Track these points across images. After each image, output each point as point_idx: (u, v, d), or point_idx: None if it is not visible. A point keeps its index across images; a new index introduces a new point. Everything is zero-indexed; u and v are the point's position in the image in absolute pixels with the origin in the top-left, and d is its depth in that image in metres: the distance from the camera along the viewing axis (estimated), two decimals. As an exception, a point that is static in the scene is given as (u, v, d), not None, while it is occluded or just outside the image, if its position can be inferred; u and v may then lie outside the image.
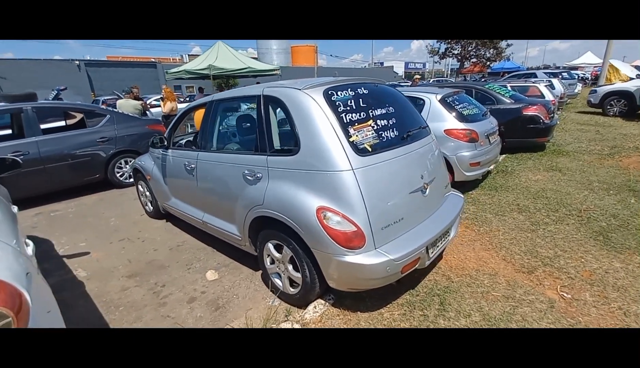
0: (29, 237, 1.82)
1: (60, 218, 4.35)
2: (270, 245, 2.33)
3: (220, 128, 3.13)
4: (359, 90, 2.28)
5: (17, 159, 2.64)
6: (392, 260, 1.89)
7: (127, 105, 6.82)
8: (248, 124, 3.18)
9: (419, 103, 4.89)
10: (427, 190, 2.30)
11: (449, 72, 47.22)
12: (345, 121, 2.02)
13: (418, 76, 16.55)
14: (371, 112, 2.20)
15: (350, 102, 2.14)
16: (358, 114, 2.11)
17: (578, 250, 2.82)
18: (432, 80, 31.67)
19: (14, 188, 2.98)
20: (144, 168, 3.85)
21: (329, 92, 2.11)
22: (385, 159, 2.07)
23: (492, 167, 4.89)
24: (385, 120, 2.24)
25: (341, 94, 2.14)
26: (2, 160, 2.46)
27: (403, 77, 41.68)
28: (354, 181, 1.90)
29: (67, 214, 4.49)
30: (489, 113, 4.86)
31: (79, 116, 5.64)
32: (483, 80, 16.86)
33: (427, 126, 2.69)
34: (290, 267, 2.24)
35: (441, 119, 4.19)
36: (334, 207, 1.92)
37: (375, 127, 2.14)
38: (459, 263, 2.75)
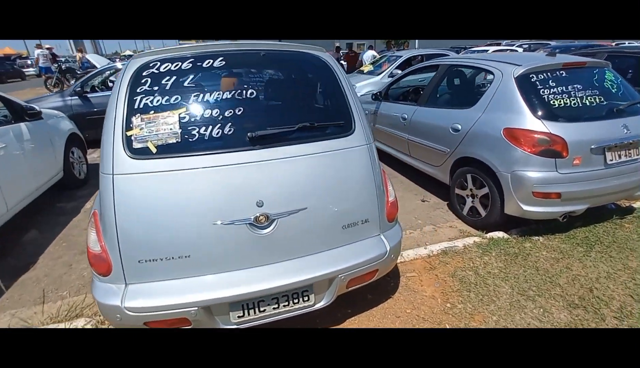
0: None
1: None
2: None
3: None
4: (205, 62, 1.59)
5: None
6: (122, 308, 1.36)
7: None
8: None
9: (482, 80, 3.22)
10: (275, 226, 1.48)
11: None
12: (135, 106, 1.47)
13: None
14: (197, 96, 1.51)
15: (167, 80, 1.52)
16: (164, 98, 1.49)
17: None
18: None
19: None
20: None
21: (150, 64, 1.56)
22: (176, 168, 1.42)
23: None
24: (220, 110, 1.50)
25: (161, 68, 1.55)
26: None
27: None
28: (110, 190, 1.40)
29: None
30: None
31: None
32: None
33: (352, 123, 1.68)
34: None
35: (508, 109, 2.56)
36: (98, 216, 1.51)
37: (186, 119, 1.46)
38: None
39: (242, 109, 1.54)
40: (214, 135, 1.47)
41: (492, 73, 2.80)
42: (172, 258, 1.42)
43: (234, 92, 1.55)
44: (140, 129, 1.44)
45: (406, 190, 3.73)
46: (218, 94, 1.53)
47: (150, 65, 1.56)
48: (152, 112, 1.46)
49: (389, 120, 4.10)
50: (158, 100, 1.48)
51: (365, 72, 8.06)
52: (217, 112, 1.50)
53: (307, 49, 1.83)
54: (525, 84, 2.56)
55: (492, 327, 1.81)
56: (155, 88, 1.50)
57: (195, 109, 1.49)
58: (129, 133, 1.43)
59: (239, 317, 1.49)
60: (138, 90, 1.49)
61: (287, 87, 1.73)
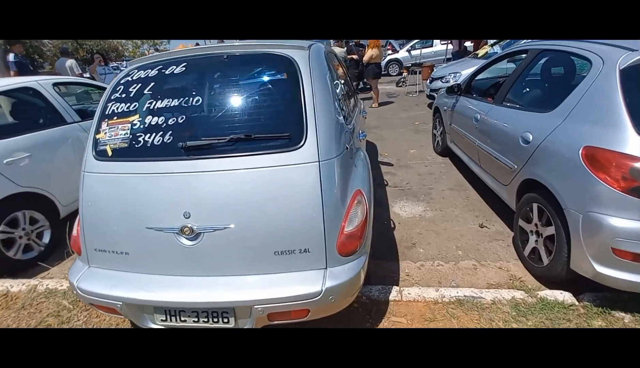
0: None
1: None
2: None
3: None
4: (171, 68, 1.63)
5: None
6: (75, 285, 1.57)
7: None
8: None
9: (575, 71, 2.29)
10: (200, 240, 1.45)
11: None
12: (107, 112, 1.63)
13: None
14: (153, 102, 1.56)
15: (136, 86, 1.63)
16: (128, 104, 1.60)
17: None
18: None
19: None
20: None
21: (129, 73, 1.71)
22: (120, 172, 1.52)
23: None
24: (166, 118, 1.52)
25: (134, 76, 1.67)
26: None
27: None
28: (80, 185, 1.63)
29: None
30: None
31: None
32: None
33: (303, 136, 1.45)
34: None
35: (599, 118, 1.73)
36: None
37: (138, 126, 1.54)
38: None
39: (184, 116, 1.52)
40: (155, 143, 1.50)
41: (588, 60, 1.91)
42: (115, 252, 1.56)
43: (181, 99, 1.54)
44: (105, 133, 1.60)
45: (466, 209, 3.03)
46: (167, 101, 1.55)
47: (129, 73, 1.71)
48: (115, 117, 1.60)
49: (463, 120, 3.37)
50: (121, 107, 1.61)
51: (479, 56, 6.81)
52: (162, 119, 1.53)
53: (277, 48, 1.64)
54: (636, 81, 1.64)
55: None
56: (123, 95, 1.64)
57: (145, 116, 1.55)
58: (97, 136, 1.62)
59: (162, 320, 1.53)
60: (112, 97, 1.66)
61: (239, 93, 1.60)
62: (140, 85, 1.63)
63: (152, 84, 1.62)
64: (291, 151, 1.44)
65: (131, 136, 1.54)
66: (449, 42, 10.86)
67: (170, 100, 1.55)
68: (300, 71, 1.56)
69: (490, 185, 2.80)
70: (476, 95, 3.32)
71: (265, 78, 1.62)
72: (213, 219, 1.44)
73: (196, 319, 1.50)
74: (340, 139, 1.59)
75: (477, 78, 3.58)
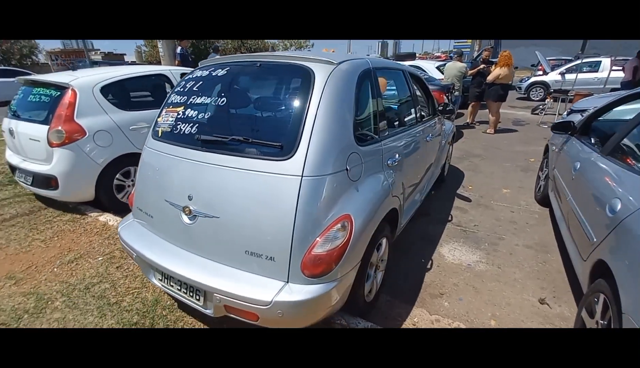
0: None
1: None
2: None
3: None
4: (217, 71, 1.89)
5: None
6: (118, 230, 1.99)
7: (452, 68, 6.92)
8: None
9: None
10: (195, 221, 1.67)
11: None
12: (169, 101, 2.01)
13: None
14: (195, 98, 1.85)
15: (191, 83, 1.95)
16: (181, 97, 1.92)
17: None
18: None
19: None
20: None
21: (192, 71, 2.05)
22: (161, 151, 1.85)
23: None
24: (197, 112, 1.78)
25: (194, 74, 1.99)
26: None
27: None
28: (141, 158, 2.04)
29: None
30: None
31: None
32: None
33: (294, 148, 1.49)
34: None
35: None
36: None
37: (180, 116, 1.85)
38: None
39: (210, 114, 1.75)
40: (185, 132, 1.78)
41: None
42: (147, 213, 1.93)
43: (212, 98, 1.77)
44: (162, 118, 1.98)
45: (533, 275, 2.43)
46: (203, 99, 1.81)
47: (193, 72, 2.05)
48: (171, 107, 1.96)
49: (564, 166, 2.71)
50: (176, 99, 1.96)
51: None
52: (195, 113, 1.79)
53: (304, 60, 1.70)
54: None
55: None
56: (181, 89, 1.98)
57: (187, 108, 1.85)
58: (158, 119, 2.01)
59: (159, 280, 1.81)
60: (175, 90, 2.03)
61: (257, 98, 1.71)
62: (193, 82, 1.94)
63: (200, 82, 1.91)
64: (280, 161, 1.49)
65: (174, 123, 1.87)
66: (622, 68, 8.58)
67: (205, 98, 1.81)
68: (313, 85, 1.58)
69: (570, 255, 2.18)
70: (590, 139, 2.60)
71: (283, 87, 1.70)
72: (207, 207, 1.62)
73: (179, 289, 1.72)
74: (339, 158, 1.55)
75: (604, 116, 2.80)
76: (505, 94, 6.63)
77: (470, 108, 7.56)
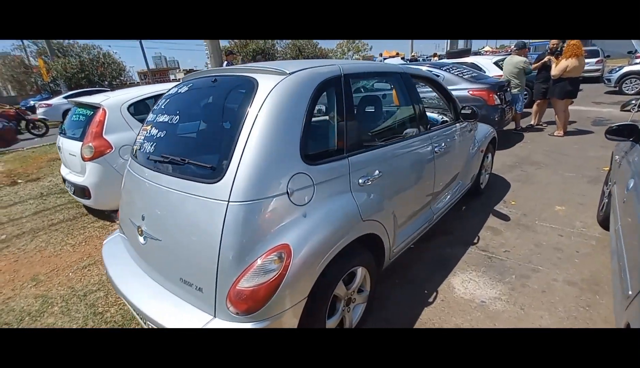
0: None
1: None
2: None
3: None
4: (183, 88, 1.86)
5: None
6: (103, 243, 2.07)
7: (508, 63, 6.05)
8: None
9: None
10: (147, 242, 1.65)
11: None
12: (146, 119, 2.03)
13: None
14: (159, 116, 1.83)
15: (162, 101, 1.94)
16: (152, 115, 1.93)
17: None
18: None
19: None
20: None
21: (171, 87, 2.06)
22: (131, 169, 1.88)
23: None
24: (157, 131, 1.76)
25: (167, 92, 1.99)
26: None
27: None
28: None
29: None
30: None
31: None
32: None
33: (223, 170, 1.37)
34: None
35: None
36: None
37: (146, 134, 1.85)
38: None
39: (165, 132, 1.71)
40: (145, 151, 1.77)
41: None
42: (122, 230, 1.97)
43: (169, 116, 1.73)
44: (138, 137, 2.01)
45: (567, 320, 1.90)
46: (164, 117, 1.78)
47: (169, 89, 2.05)
48: (144, 125, 1.98)
49: (620, 183, 2.09)
50: (149, 117, 1.97)
51: None
52: (156, 131, 1.78)
53: (253, 72, 1.56)
54: None
55: None
56: (155, 107, 1.99)
57: (151, 127, 1.84)
58: (137, 138, 2.06)
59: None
60: (153, 108, 2.06)
61: (204, 116, 1.61)
62: (164, 100, 1.94)
63: (168, 100, 1.90)
64: (210, 183, 1.37)
65: (142, 142, 1.88)
66: None
67: (166, 116, 1.78)
68: (254, 98, 1.44)
69: (615, 297, 1.65)
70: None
71: (229, 103, 1.58)
72: (153, 229, 1.58)
73: (133, 309, 1.71)
74: (276, 180, 1.37)
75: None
76: (575, 90, 5.58)
77: (535, 107, 6.56)
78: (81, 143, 3.32)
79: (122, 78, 15.74)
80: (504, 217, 3.17)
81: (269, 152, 1.37)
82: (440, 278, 2.36)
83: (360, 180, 1.70)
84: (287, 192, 1.39)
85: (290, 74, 1.53)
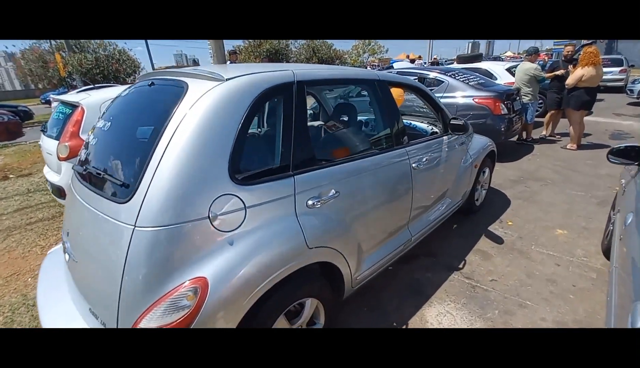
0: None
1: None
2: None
3: None
4: (127, 91, 1.70)
5: None
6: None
7: (519, 70, 5.70)
8: None
9: None
10: (69, 260, 1.50)
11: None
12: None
13: None
14: (99, 121, 1.67)
15: (110, 104, 1.79)
16: (96, 121, 1.78)
17: None
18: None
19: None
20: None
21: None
22: (71, 179, 1.73)
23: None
24: (93, 139, 1.60)
25: (124, 92, 1.82)
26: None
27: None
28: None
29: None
30: None
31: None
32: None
33: (134, 189, 1.19)
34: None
35: None
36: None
37: (86, 142, 1.70)
38: None
39: (95, 141, 1.56)
40: (80, 160, 1.62)
41: None
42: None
43: (104, 123, 1.58)
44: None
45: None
46: (101, 122, 1.62)
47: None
48: (89, 131, 1.84)
49: (621, 214, 1.81)
50: (95, 123, 1.82)
51: None
52: (92, 140, 1.62)
53: (189, 76, 1.39)
54: None
55: None
56: (104, 112, 1.84)
57: (91, 134, 1.69)
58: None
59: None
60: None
61: (132, 124, 1.44)
62: (110, 104, 1.79)
63: (111, 104, 1.74)
64: (120, 203, 1.20)
65: (82, 150, 1.73)
66: None
67: (101, 122, 1.62)
68: (178, 106, 1.26)
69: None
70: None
71: (157, 110, 1.41)
72: (73, 247, 1.43)
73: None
74: (194, 203, 1.18)
75: None
76: (592, 101, 5.20)
77: (547, 117, 6.18)
78: (57, 142, 3.24)
79: (136, 74, 15.96)
80: (497, 240, 2.89)
81: (188, 170, 1.19)
82: (413, 308, 2.13)
83: (309, 202, 1.50)
84: (209, 217, 1.21)
85: (227, 79, 1.34)
